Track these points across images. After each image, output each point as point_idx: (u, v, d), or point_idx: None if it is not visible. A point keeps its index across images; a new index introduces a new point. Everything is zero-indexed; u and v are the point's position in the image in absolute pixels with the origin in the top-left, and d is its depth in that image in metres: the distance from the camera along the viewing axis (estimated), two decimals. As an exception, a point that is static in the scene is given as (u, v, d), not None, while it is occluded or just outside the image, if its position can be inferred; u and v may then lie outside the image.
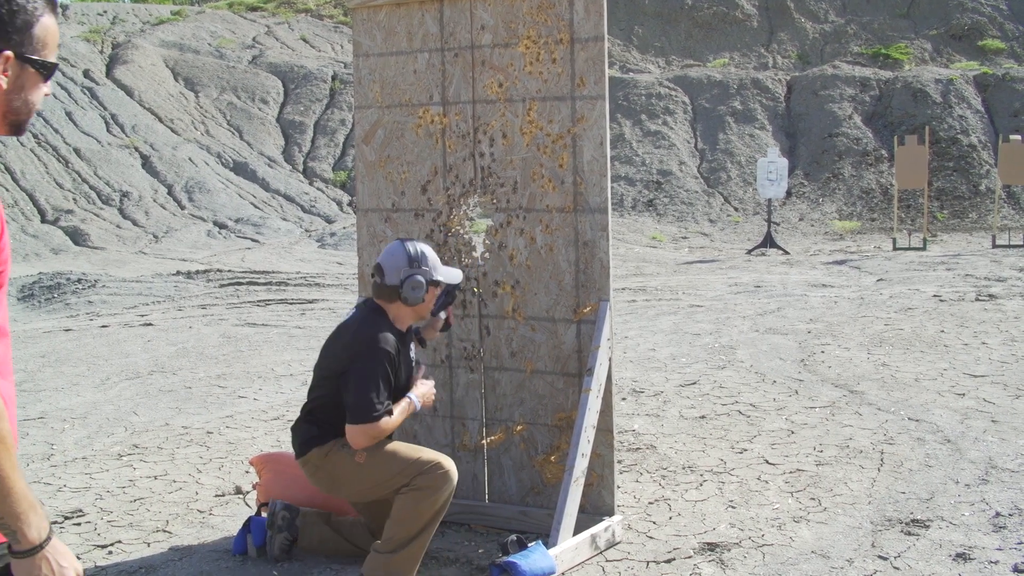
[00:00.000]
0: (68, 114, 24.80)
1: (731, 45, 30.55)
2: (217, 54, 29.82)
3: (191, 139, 25.71)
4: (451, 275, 4.68)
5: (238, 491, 6.00)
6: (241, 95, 28.08)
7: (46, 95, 2.31)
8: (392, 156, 5.42)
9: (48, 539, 2.18)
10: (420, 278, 4.51)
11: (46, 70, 2.24)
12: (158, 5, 38.37)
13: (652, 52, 30.73)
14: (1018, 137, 20.15)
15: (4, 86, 2.19)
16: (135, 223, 21.74)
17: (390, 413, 4.42)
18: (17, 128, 2.28)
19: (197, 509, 5.73)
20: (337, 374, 4.47)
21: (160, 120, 26.16)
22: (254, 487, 5.45)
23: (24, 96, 2.23)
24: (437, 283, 4.59)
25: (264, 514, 5.12)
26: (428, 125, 5.33)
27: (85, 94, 26.01)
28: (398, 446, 4.50)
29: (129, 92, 26.76)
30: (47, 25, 2.21)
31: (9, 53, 2.17)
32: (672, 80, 28.25)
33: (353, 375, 4.38)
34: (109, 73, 27.56)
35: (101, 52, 28.62)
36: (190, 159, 24.60)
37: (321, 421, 4.57)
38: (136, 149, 24.49)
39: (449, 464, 4.44)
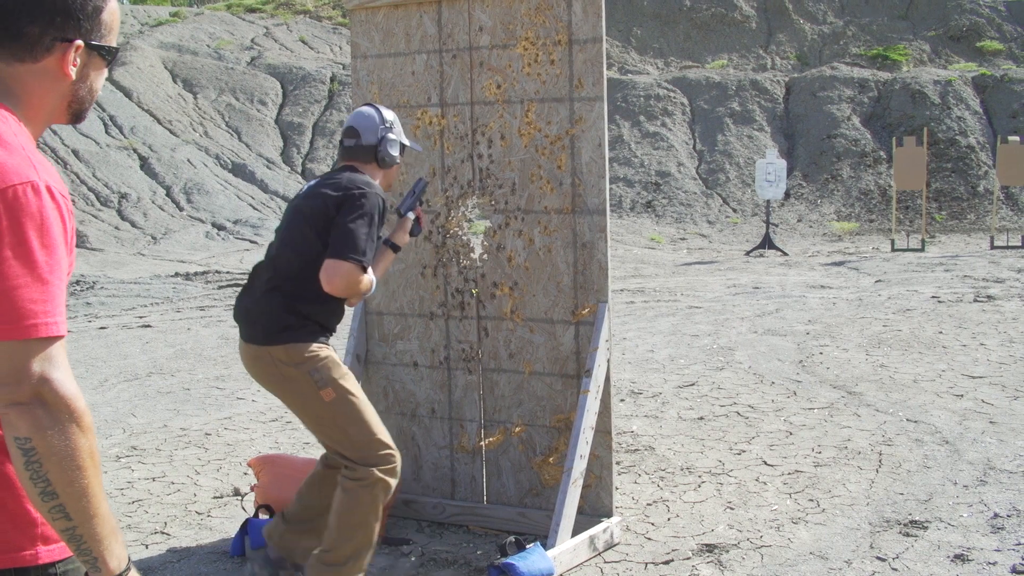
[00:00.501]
0: (66, 116, 24.78)
1: (729, 46, 30.55)
2: (216, 55, 29.82)
3: (190, 140, 25.71)
4: (414, 145, 4.67)
5: (236, 493, 6.00)
6: (240, 96, 28.08)
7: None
8: (390, 157, 5.41)
9: (128, 570, 1.99)
10: (395, 137, 4.42)
11: (111, 55, 2.19)
12: (156, 7, 38.37)
13: (650, 53, 30.73)
14: (1016, 138, 20.16)
15: (73, 76, 2.12)
16: (133, 224, 21.73)
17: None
18: (78, 116, 2.23)
19: (195, 511, 5.73)
20: (328, 217, 4.11)
21: (159, 121, 26.16)
22: (252, 489, 5.44)
23: (90, 84, 2.17)
24: (404, 148, 4.53)
25: (263, 516, 5.12)
26: (426, 126, 5.33)
27: (83, 96, 25.98)
28: (368, 410, 4.18)
29: (128, 93, 26.75)
30: (113, 9, 2.16)
31: (80, 42, 2.09)
32: (670, 81, 28.26)
33: (346, 214, 4.06)
34: (108, 75, 27.55)
35: (99, 53, 28.60)
36: (189, 160, 24.60)
37: (296, 300, 4.12)
38: (135, 151, 24.48)
39: (398, 460, 4.21)
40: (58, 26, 2.06)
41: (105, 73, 2.23)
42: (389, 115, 4.44)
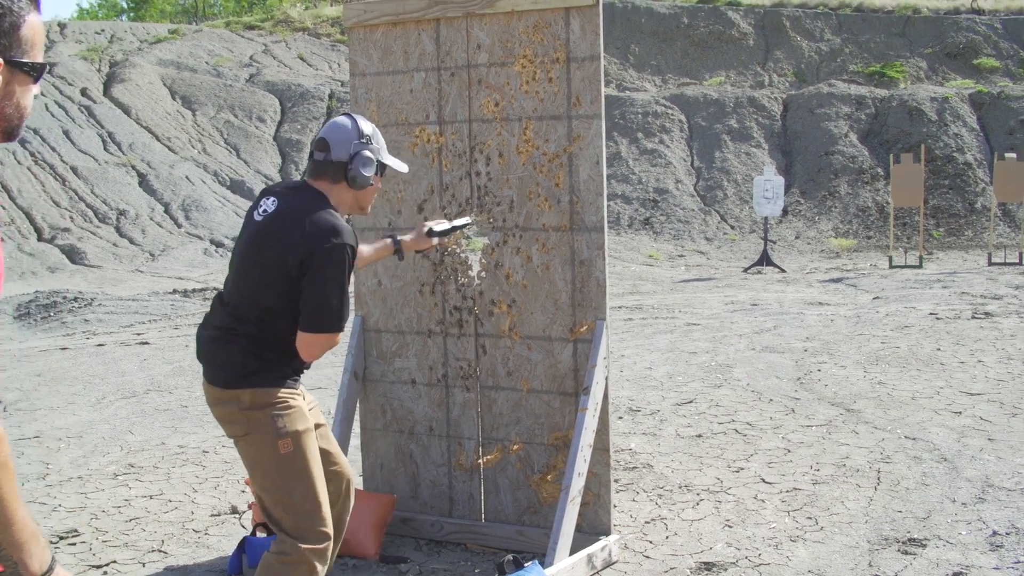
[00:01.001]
0: (65, 132, 24.82)
1: (727, 64, 30.62)
2: (214, 72, 29.87)
3: (188, 157, 25.73)
4: (397, 164, 4.14)
5: (234, 511, 5.99)
6: (238, 113, 28.12)
7: (36, 96, 2.24)
8: (388, 175, 5.41)
9: (50, 570, 2.11)
10: (370, 155, 3.91)
11: (36, 72, 2.16)
12: (156, 24, 38.47)
13: (648, 71, 30.80)
14: (1013, 155, 20.20)
15: None
16: (132, 241, 21.73)
17: None
18: (10, 135, 2.19)
19: (193, 529, 5.72)
20: (288, 275, 3.68)
21: (157, 138, 26.18)
22: (250, 507, 5.44)
23: (16, 101, 2.15)
24: (384, 168, 4.03)
25: (260, 534, 5.11)
26: (424, 144, 5.34)
27: (82, 112, 26.04)
28: (320, 479, 3.79)
29: (126, 110, 26.79)
30: (33, 24, 2.13)
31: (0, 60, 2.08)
32: (668, 98, 28.31)
33: (316, 279, 3.66)
34: (107, 91, 27.60)
35: (99, 71, 28.67)
36: (187, 177, 24.62)
37: (258, 346, 3.76)
38: (133, 167, 24.50)
39: (331, 546, 3.80)
40: None
41: (33, 89, 2.20)
42: (367, 128, 3.98)
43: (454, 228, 4.62)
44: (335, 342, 3.77)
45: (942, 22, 30.58)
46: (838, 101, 27.13)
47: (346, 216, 3.96)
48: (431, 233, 4.50)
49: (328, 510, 3.80)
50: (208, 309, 4.04)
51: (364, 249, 4.31)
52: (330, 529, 3.79)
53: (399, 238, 4.43)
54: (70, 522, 5.84)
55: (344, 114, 4.05)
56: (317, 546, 3.72)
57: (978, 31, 30.23)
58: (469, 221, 4.69)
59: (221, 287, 4.04)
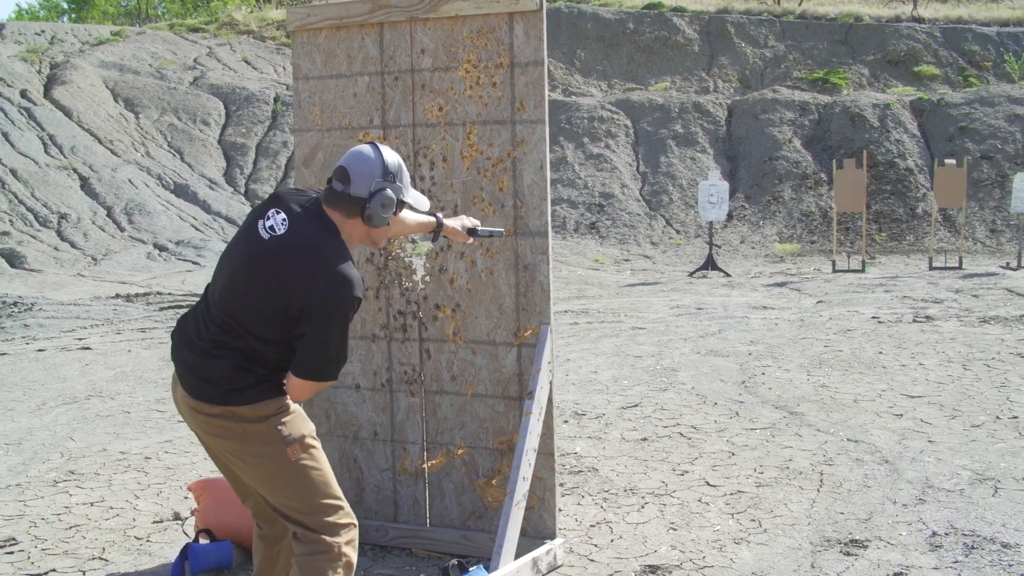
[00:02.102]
0: (4, 135, 24.46)
1: (672, 69, 30.81)
2: (158, 75, 29.58)
3: (131, 161, 25.46)
4: (419, 201, 3.92)
5: (176, 517, 5.93)
6: (182, 116, 27.87)
7: None
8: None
9: None
10: (392, 194, 3.69)
11: None
12: (98, 25, 38.03)
13: (594, 76, 30.92)
14: (952, 161, 20.48)
15: None
16: (73, 245, 21.46)
17: None
18: None
19: (134, 536, 5.65)
20: (287, 316, 3.50)
21: (99, 141, 25.88)
22: (192, 513, 5.38)
23: None
24: (403, 205, 3.82)
25: (203, 540, 5.06)
26: (369, 148, 5.31)
27: (22, 115, 25.69)
28: (330, 473, 3.73)
29: (68, 113, 26.46)
30: None
31: None
32: (614, 103, 28.43)
33: (318, 329, 3.49)
34: (47, 94, 27.24)
35: (39, 72, 28.30)
36: (130, 181, 24.35)
37: (252, 363, 3.59)
38: (75, 170, 24.20)
39: (357, 531, 3.76)
40: None
41: None
42: (393, 163, 3.73)
43: (491, 234, 4.52)
44: (326, 385, 3.69)
45: (883, 30, 30.99)
46: (782, 107, 27.39)
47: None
48: (474, 232, 4.35)
49: (343, 498, 3.73)
50: (187, 311, 3.87)
51: (408, 218, 4.07)
52: (353, 516, 3.73)
53: (443, 222, 4.27)
54: (8, 530, 5.75)
55: (370, 143, 3.79)
56: (348, 536, 3.68)
57: (918, 39, 30.66)
58: (502, 231, 4.59)
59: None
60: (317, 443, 3.72)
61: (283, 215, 3.65)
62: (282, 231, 3.60)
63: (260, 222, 3.66)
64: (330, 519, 3.65)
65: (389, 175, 3.70)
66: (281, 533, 3.94)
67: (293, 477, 3.62)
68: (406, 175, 3.80)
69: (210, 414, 3.60)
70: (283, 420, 3.61)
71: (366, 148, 3.72)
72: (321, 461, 3.70)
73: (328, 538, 3.63)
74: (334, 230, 3.63)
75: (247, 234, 3.69)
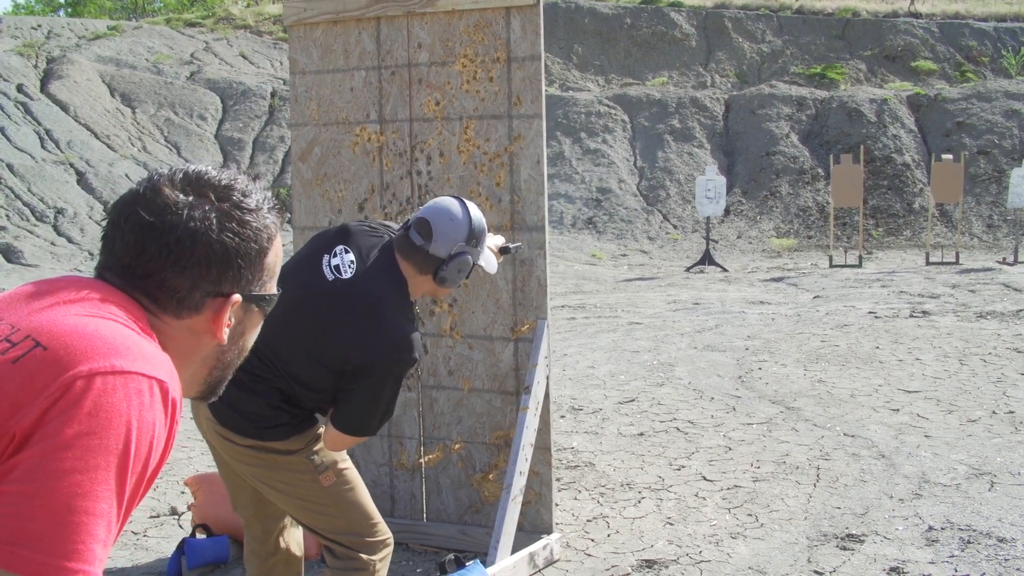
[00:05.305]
0: (1, 130, 24.44)
1: (670, 64, 30.78)
2: (155, 70, 29.54)
3: (128, 155, 25.43)
4: (490, 264, 3.73)
5: (173, 512, 5.93)
6: (179, 111, 27.84)
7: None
8: (329, 174, 5.39)
9: None
10: (471, 260, 3.52)
11: (269, 305, 1.74)
12: (94, 20, 37.97)
13: (591, 71, 30.89)
14: (950, 156, 20.48)
15: (224, 339, 1.65)
16: (70, 240, 21.43)
17: None
18: (214, 390, 1.73)
19: (131, 531, 5.65)
20: (342, 370, 3.36)
21: (96, 136, 25.85)
22: (189, 508, 5.38)
23: (242, 344, 1.73)
24: (477, 268, 3.66)
25: (199, 535, 5.06)
26: (365, 143, 5.31)
27: (19, 109, 25.65)
28: (364, 493, 3.64)
29: (64, 107, 26.42)
30: (278, 249, 1.72)
31: (238, 297, 1.64)
32: (611, 98, 28.41)
33: (371, 387, 3.36)
34: (44, 88, 27.20)
35: (36, 67, 28.25)
36: (127, 175, 24.32)
37: (292, 402, 3.48)
38: (71, 165, 24.17)
39: (391, 549, 3.70)
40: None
41: (258, 327, 1.82)
42: (478, 225, 3.54)
43: (517, 249, 4.29)
44: (365, 439, 3.60)
45: (881, 25, 30.97)
46: (779, 102, 27.38)
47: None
48: (506, 250, 4.10)
49: (378, 514, 3.67)
50: None
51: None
52: (388, 532, 3.67)
53: (504, 248, 4.10)
54: (5, 525, 5.74)
55: (458, 199, 3.58)
56: (384, 554, 3.62)
57: (915, 34, 30.65)
58: (520, 245, 4.50)
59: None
60: (348, 463, 3.63)
61: (352, 256, 3.46)
62: (348, 275, 3.42)
63: (326, 257, 3.48)
64: (368, 538, 3.60)
65: (472, 239, 3.52)
66: (273, 549, 3.91)
67: (328, 502, 3.54)
68: (486, 236, 3.64)
69: (238, 443, 3.49)
70: (315, 449, 3.51)
71: (455, 206, 3.52)
72: (354, 480, 3.62)
73: (365, 556, 3.58)
74: (403, 284, 3.46)
75: (308, 264, 3.51)
